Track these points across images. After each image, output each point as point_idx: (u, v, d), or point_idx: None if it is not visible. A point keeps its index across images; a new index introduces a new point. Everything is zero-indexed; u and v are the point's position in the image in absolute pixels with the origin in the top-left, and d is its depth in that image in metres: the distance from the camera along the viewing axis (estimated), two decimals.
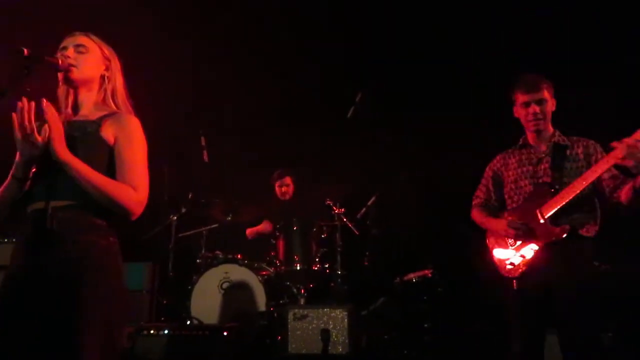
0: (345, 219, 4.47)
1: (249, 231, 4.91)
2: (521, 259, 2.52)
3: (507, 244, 2.61)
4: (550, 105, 2.60)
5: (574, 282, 2.35)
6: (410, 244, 4.77)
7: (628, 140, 2.20)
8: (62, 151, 1.63)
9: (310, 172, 5.17)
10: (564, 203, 2.40)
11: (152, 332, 3.16)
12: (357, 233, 4.51)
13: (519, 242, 2.55)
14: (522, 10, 4.52)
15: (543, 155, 2.61)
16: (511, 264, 2.57)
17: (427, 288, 4.18)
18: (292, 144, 5.36)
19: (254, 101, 5.44)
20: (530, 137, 2.67)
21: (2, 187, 1.73)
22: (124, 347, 3.00)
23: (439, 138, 4.77)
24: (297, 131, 5.31)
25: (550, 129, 2.63)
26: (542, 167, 2.58)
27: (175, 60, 4.97)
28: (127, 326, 3.03)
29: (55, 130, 1.62)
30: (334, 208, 4.48)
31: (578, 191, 2.36)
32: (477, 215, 2.83)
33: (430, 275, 4.16)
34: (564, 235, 2.40)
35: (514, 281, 2.56)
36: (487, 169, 2.87)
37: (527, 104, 2.58)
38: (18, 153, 1.68)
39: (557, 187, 2.47)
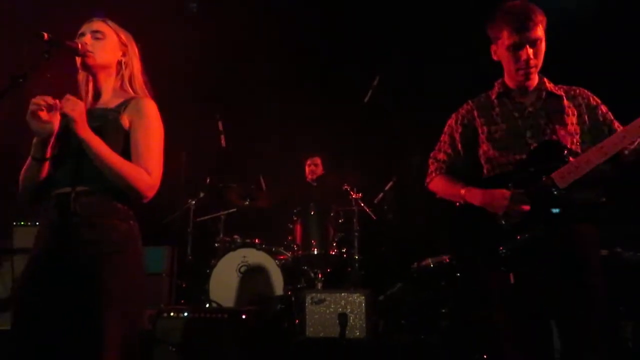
0: (362, 204, 4.45)
1: None
2: (517, 240, 1.83)
3: (495, 221, 1.87)
4: (545, 45, 1.93)
5: (587, 272, 1.80)
6: (428, 229, 4.74)
7: None
8: (82, 128, 1.64)
9: (328, 158, 5.16)
10: (588, 169, 1.74)
11: (172, 314, 3.20)
12: (375, 218, 4.50)
13: (515, 221, 1.83)
14: None
15: (533, 108, 1.96)
16: (502, 248, 1.86)
17: (445, 273, 4.16)
18: (309, 130, 5.35)
19: (269, 86, 5.42)
20: (514, 83, 2.01)
21: (24, 168, 1.76)
22: (145, 328, 3.06)
23: None
24: (314, 116, 5.29)
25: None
26: (538, 122, 1.93)
27: (193, 44, 4.97)
28: (148, 308, 3.10)
29: (76, 110, 1.63)
30: (351, 193, 4.47)
31: (609, 156, 1.72)
32: (443, 184, 2.11)
33: (448, 260, 4.13)
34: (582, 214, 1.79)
35: (510, 274, 1.85)
36: (452, 122, 2.16)
37: (518, 46, 1.89)
38: None
39: (569, 148, 1.84)
